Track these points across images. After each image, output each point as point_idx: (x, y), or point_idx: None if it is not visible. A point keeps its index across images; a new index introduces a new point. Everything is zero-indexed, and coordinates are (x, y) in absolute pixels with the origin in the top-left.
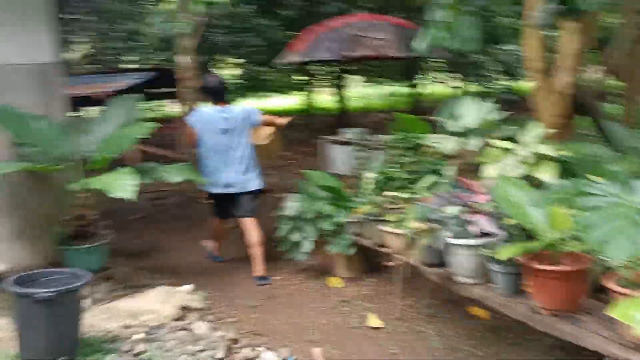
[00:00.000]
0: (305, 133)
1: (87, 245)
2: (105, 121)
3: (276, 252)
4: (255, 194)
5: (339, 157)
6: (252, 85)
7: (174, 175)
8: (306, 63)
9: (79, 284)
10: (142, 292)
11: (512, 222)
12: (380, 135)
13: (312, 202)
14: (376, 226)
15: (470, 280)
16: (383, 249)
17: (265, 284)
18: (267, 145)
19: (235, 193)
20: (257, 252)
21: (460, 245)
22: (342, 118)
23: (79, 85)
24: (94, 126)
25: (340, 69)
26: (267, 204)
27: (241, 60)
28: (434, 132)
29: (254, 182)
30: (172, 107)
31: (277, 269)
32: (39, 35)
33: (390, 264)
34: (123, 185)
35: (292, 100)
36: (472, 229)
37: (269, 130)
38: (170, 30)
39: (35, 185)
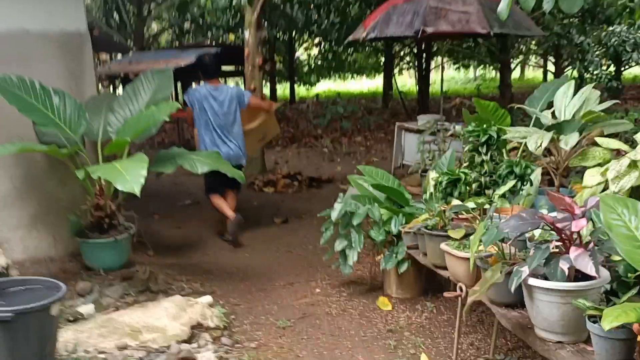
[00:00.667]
0: (383, 118)
1: (102, 240)
2: (134, 98)
3: (319, 259)
4: (242, 167)
5: (412, 147)
6: (330, 67)
7: (200, 164)
8: (378, 40)
9: (45, 302)
10: (156, 301)
11: (623, 262)
12: (454, 125)
13: (362, 204)
14: (436, 242)
15: (556, 337)
16: (443, 273)
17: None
18: (259, 128)
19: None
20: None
21: (543, 288)
22: (424, 103)
23: (145, 60)
24: (122, 104)
25: (422, 49)
26: (322, 196)
27: (319, 40)
28: (521, 124)
29: (243, 158)
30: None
31: (319, 280)
32: (66, 0)
33: (451, 294)
34: (133, 176)
35: (372, 83)
36: (562, 266)
37: (259, 112)
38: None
39: (54, 169)
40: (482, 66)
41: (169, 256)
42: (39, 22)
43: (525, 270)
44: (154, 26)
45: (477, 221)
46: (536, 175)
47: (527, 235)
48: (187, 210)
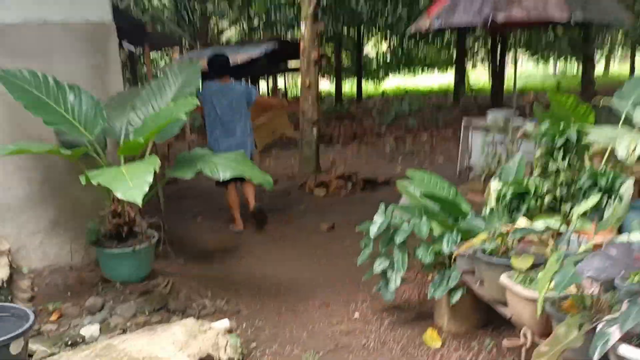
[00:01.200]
0: (453, 115)
1: (119, 250)
2: (159, 94)
3: (358, 279)
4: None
5: (479, 146)
6: (400, 62)
7: (222, 169)
8: (443, 31)
9: (3, 338)
10: (167, 324)
11: None
12: (526, 122)
13: (410, 215)
14: (496, 271)
15: None
16: (503, 310)
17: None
18: (269, 124)
19: None
20: (249, 200)
21: None
22: (497, 100)
23: (204, 57)
24: (145, 101)
25: (497, 41)
26: (376, 200)
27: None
28: (607, 125)
29: (249, 150)
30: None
31: (359, 302)
32: None
33: (512, 344)
34: (137, 183)
35: (444, 79)
36: None
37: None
38: None
39: (77, 171)
40: (562, 60)
41: (200, 264)
42: (59, 12)
43: (615, 332)
44: (220, 23)
45: (550, 247)
46: (627, 189)
47: (610, 284)
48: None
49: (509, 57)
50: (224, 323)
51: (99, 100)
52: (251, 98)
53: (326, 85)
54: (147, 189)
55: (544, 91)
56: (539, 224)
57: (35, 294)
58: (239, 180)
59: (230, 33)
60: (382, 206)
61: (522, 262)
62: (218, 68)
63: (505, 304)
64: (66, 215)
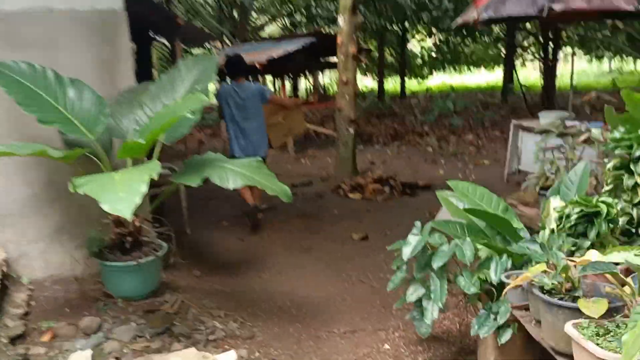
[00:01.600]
0: (501, 114)
1: (121, 263)
2: (170, 90)
3: (397, 297)
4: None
5: (530, 150)
6: (445, 59)
7: (233, 176)
8: (493, 23)
9: None
10: (164, 354)
11: None
12: (588, 126)
13: (451, 233)
14: (558, 315)
15: None
16: None
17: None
18: (284, 123)
19: (252, 156)
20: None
21: None
22: (549, 98)
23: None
24: (154, 97)
25: (549, 37)
26: (415, 207)
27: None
28: None
29: (263, 149)
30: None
31: (390, 330)
32: None
33: None
34: (128, 193)
35: (492, 76)
36: None
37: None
38: None
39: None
40: (617, 57)
41: (217, 277)
42: None
43: None
44: (260, 18)
45: (629, 288)
46: None
47: None
48: (262, 216)
49: (561, 54)
50: (231, 356)
51: (102, 97)
52: (265, 97)
53: (369, 82)
54: (138, 200)
55: (601, 90)
56: (616, 256)
57: (31, 308)
58: None
59: (272, 28)
60: (417, 224)
61: (593, 308)
62: (232, 69)
63: (569, 356)
64: (71, 221)
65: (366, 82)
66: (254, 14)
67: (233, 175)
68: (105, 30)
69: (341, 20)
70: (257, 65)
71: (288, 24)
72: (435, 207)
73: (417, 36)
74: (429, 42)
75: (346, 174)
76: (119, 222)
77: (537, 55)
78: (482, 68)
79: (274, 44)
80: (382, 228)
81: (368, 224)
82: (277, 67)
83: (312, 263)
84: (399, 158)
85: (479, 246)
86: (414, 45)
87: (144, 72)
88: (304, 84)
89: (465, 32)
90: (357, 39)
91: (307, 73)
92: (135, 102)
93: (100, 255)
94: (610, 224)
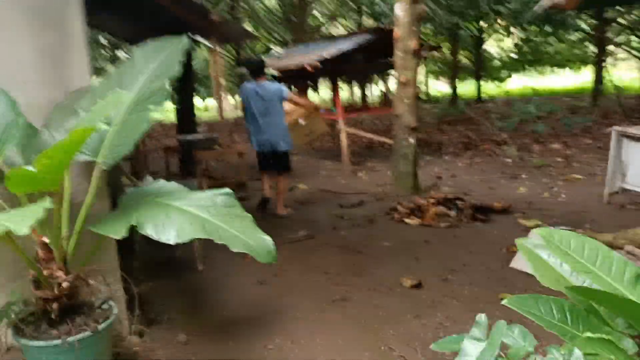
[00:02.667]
0: (591, 120)
1: (42, 343)
2: (119, 87)
3: None
4: (285, 153)
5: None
6: (526, 59)
7: (179, 224)
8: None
9: None
10: None
11: None
12: None
13: (539, 319)
14: None
15: None
16: None
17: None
18: (305, 125)
19: (269, 151)
20: (280, 196)
21: None
22: None
23: (295, 54)
24: (94, 98)
25: None
26: (490, 240)
27: (509, 30)
28: None
29: (283, 144)
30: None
31: None
32: None
33: None
34: None
35: (577, 78)
36: None
37: (300, 110)
38: None
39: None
40: None
41: (211, 345)
42: None
43: None
44: (320, 18)
45: None
46: None
47: None
48: (293, 249)
49: None
50: None
51: (14, 101)
52: (283, 96)
53: (441, 87)
54: None
55: None
56: None
57: None
58: (274, 169)
59: (335, 28)
60: (481, 320)
61: None
62: (255, 69)
63: None
64: None
65: (439, 87)
66: (316, 13)
67: (180, 220)
68: (50, 15)
69: (399, 9)
70: (308, 68)
71: (350, 24)
72: (515, 238)
73: (494, 36)
74: (507, 42)
75: (405, 192)
76: (38, 281)
77: (634, 53)
78: (567, 69)
79: (328, 43)
80: (442, 269)
81: (425, 262)
82: (332, 69)
83: (342, 324)
84: (472, 171)
85: (597, 348)
86: (490, 46)
87: (185, 81)
88: (373, 88)
89: (549, 29)
90: (419, 32)
91: (374, 76)
92: (72, 108)
93: (18, 330)
94: None
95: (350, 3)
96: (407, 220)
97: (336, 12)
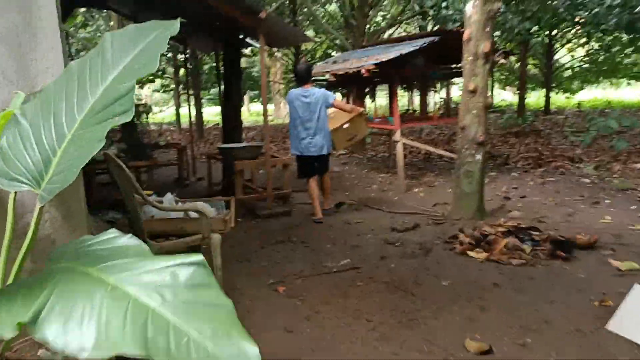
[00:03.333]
0: None
1: None
2: (71, 90)
3: None
4: (327, 156)
5: None
6: (600, 70)
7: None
8: None
9: None
10: None
11: None
12: None
13: None
14: None
15: None
16: None
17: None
18: (349, 128)
19: (312, 156)
20: (327, 194)
21: None
22: None
23: (351, 58)
24: (42, 105)
25: None
26: (574, 285)
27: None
28: None
29: (325, 149)
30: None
31: None
32: None
33: None
34: None
35: None
36: None
37: (344, 114)
38: None
39: None
40: None
41: None
42: None
43: None
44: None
45: None
46: None
47: None
48: (331, 283)
49: None
50: None
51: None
52: (328, 101)
53: (507, 96)
54: None
55: None
56: None
57: None
58: (317, 172)
59: (397, 31)
60: None
61: None
62: (303, 76)
63: None
64: None
65: (504, 96)
66: (379, 16)
67: (109, 312)
68: None
69: (470, 6)
70: (363, 72)
71: (414, 29)
72: (607, 285)
73: (566, 44)
74: (580, 52)
75: (467, 215)
76: None
77: None
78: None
79: (387, 47)
80: (517, 327)
81: (494, 314)
82: (390, 74)
83: None
84: (544, 191)
85: None
86: (561, 55)
87: (232, 85)
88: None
89: (626, 38)
90: (492, 34)
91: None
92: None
93: None
94: None
95: (416, 6)
96: (470, 253)
97: (399, 17)
